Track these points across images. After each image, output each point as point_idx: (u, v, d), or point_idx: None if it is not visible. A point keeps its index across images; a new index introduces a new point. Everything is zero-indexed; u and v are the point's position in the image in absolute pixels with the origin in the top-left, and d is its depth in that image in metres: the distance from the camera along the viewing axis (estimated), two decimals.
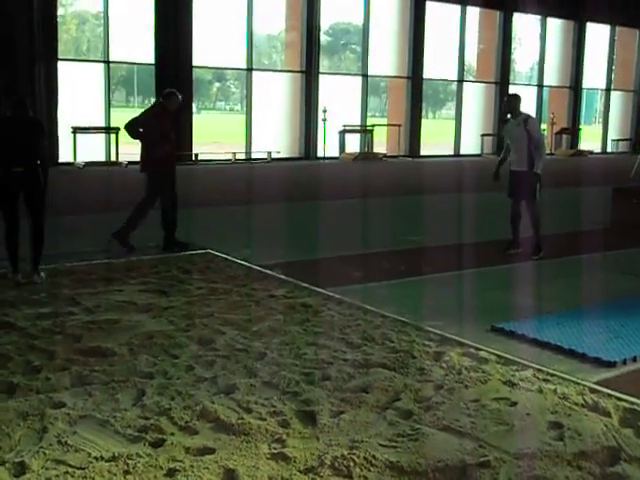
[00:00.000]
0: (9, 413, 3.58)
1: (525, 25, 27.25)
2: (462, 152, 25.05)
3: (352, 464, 3.16)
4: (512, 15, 25.46)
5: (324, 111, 21.28)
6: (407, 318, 5.42)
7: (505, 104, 8.58)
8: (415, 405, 3.83)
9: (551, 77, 27.67)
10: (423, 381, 4.18)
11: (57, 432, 3.40)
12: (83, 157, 17.43)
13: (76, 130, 17.37)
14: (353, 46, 27.53)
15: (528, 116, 8.37)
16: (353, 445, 3.34)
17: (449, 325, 5.33)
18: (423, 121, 24.51)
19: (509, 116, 8.49)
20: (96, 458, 3.17)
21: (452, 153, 25.15)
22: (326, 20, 23.61)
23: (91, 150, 17.77)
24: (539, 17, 26.65)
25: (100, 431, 3.45)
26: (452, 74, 25.05)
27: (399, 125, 23.53)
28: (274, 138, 20.85)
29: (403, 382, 4.14)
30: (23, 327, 4.98)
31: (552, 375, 4.33)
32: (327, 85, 21.80)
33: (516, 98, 8.50)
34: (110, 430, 3.46)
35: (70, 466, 3.09)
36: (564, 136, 27.37)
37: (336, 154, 21.85)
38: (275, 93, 21.13)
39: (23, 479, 2.98)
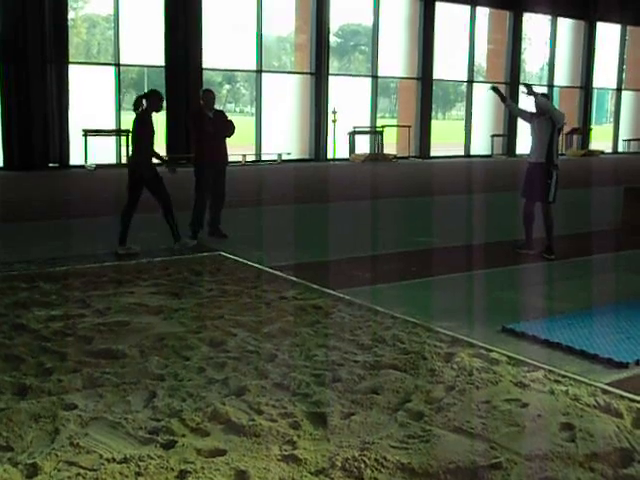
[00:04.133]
0: (21, 414, 3.59)
1: (535, 25, 27.17)
2: (472, 153, 25.02)
3: (363, 466, 3.16)
4: (522, 15, 25.42)
5: (334, 112, 21.30)
6: (418, 319, 5.41)
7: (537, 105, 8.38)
8: (426, 406, 3.82)
9: (561, 77, 27.60)
10: (434, 382, 4.17)
11: (69, 434, 3.41)
12: (94, 159, 17.51)
13: (87, 133, 17.46)
14: (363, 47, 27.52)
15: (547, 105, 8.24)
16: (364, 446, 3.33)
17: (460, 326, 5.32)
18: (433, 122, 24.49)
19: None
20: (108, 460, 3.17)
21: (462, 154, 25.11)
22: (336, 21, 23.66)
23: (102, 152, 17.86)
24: (549, 17, 26.58)
25: (111, 433, 3.45)
26: (462, 75, 25.01)
27: (409, 126, 23.52)
28: (284, 140, 20.89)
29: (414, 383, 4.13)
30: (35, 329, 5.00)
31: (563, 376, 4.30)
32: (337, 86, 21.82)
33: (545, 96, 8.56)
34: (121, 432, 3.47)
35: (82, 468, 3.10)
36: (575, 136, 27.28)
37: (346, 155, 21.86)
38: (285, 95, 21.17)
39: None
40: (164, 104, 8.23)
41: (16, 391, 3.94)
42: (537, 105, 8.18)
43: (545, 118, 8.06)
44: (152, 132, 7.92)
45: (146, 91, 8.04)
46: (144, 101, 7.84)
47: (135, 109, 7.86)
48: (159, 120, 20.16)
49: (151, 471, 3.09)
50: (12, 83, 16.55)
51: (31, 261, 7.22)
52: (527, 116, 8.51)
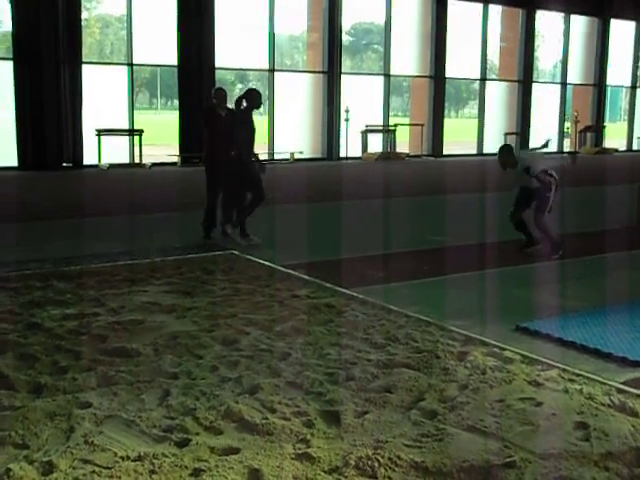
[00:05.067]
0: (37, 413, 3.62)
1: (548, 22, 27.04)
2: (485, 151, 24.93)
3: (377, 464, 3.16)
4: (535, 12, 25.32)
5: (346, 111, 21.29)
6: (431, 318, 5.40)
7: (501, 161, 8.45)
8: (439, 405, 3.82)
9: (575, 75, 27.47)
10: (447, 381, 4.17)
11: (84, 432, 3.43)
12: (108, 159, 17.58)
13: (100, 132, 17.53)
14: (375, 46, 27.49)
15: (527, 165, 8.19)
16: (377, 445, 3.33)
17: (473, 325, 5.30)
18: (446, 120, 24.44)
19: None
20: (122, 458, 3.18)
21: (475, 152, 25.04)
22: (348, 20, 23.65)
23: (115, 152, 17.94)
24: (562, 14, 26.45)
25: (126, 431, 3.47)
26: (475, 73, 24.94)
27: (421, 124, 23.48)
28: (296, 138, 20.90)
29: (427, 382, 4.12)
30: (50, 328, 5.03)
31: (578, 375, 4.29)
32: (349, 85, 21.81)
33: (509, 151, 8.52)
34: (136, 430, 3.48)
35: (97, 465, 3.12)
36: (588, 134, 27.15)
37: (358, 154, 21.85)
38: (297, 94, 21.18)
39: (51, 478, 3.01)
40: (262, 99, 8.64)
41: (31, 389, 3.97)
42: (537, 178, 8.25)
43: (527, 177, 8.19)
44: (254, 130, 8.45)
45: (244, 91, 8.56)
46: (244, 101, 8.32)
47: (237, 109, 8.35)
48: (173, 120, 20.18)
49: (165, 469, 3.10)
50: (26, 83, 16.64)
51: (46, 260, 7.26)
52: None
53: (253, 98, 8.38)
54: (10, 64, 16.71)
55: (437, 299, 6.23)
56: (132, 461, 3.16)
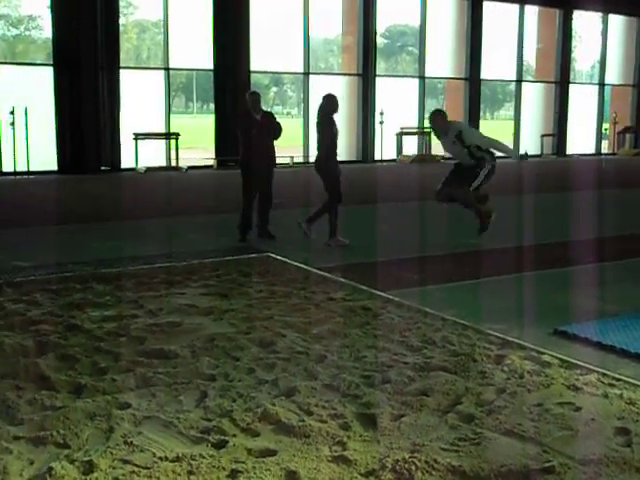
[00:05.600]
0: (77, 413, 3.67)
1: (586, 23, 26.72)
2: (522, 153, 24.68)
3: (414, 468, 3.14)
4: (572, 13, 25.03)
5: (381, 114, 21.24)
6: (468, 321, 5.37)
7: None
8: (477, 409, 3.80)
9: (613, 75, 27.09)
10: (485, 385, 4.14)
11: (123, 432, 3.47)
12: (145, 162, 17.77)
13: (138, 136, 17.71)
14: (410, 48, 27.43)
15: (459, 130, 8.28)
16: (414, 448, 3.32)
17: (510, 328, 5.26)
18: (481, 122, 24.26)
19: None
20: (161, 458, 3.22)
21: None
22: (382, 22, 23.60)
23: (152, 155, 18.12)
24: (600, 14, 26.12)
25: (164, 432, 3.50)
26: (511, 74, 24.73)
27: None
28: None
29: (464, 385, 4.10)
30: (89, 329, 5.10)
31: (618, 380, 4.23)
32: (384, 88, 21.77)
33: (442, 115, 8.65)
34: (174, 431, 3.52)
35: (136, 466, 3.15)
36: (627, 135, 26.75)
37: (393, 156, 21.79)
38: None
39: (91, 477, 3.05)
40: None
41: (72, 390, 4.03)
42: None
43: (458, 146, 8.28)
44: (336, 135, 8.98)
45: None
46: (326, 106, 8.80)
47: (321, 116, 8.86)
48: (209, 123, 20.32)
49: (203, 470, 3.13)
50: (66, 89, 16.89)
51: (85, 262, 7.36)
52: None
53: (332, 103, 8.74)
54: (50, 70, 16.98)
55: (473, 302, 6.19)
56: (170, 462, 3.19)
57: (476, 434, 3.48)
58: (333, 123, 8.82)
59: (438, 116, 8.50)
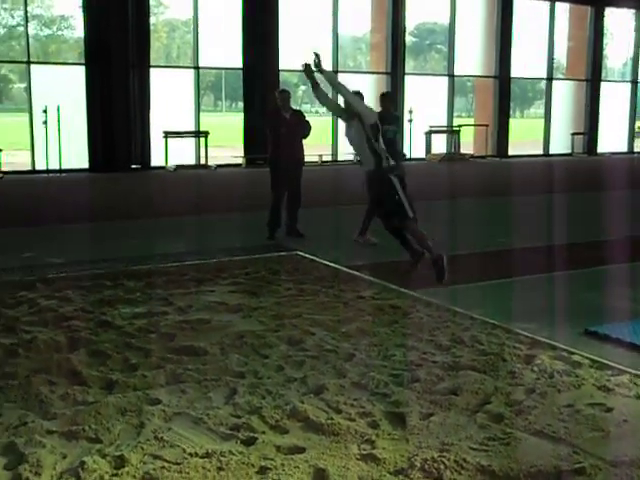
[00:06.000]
0: (109, 408, 3.72)
1: (618, 20, 26.37)
2: (552, 151, 24.48)
3: (443, 467, 3.14)
4: (604, 10, 24.72)
5: (410, 112, 21.17)
6: (496, 320, 5.34)
7: None
8: (506, 409, 3.78)
9: None
10: (514, 384, 4.12)
11: (153, 428, 3.51)
12: (174, 160, 17.90)
13: (167, 134, 17.84)
14: (439, 46, 27.29)
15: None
16: (443, 448, 3.32)
17: (540, 328, 5.22)
18: (511, 120, 24.08)
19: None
20: (191, 454, 3.24)
21: (541, 153, 24.62)
22: (411, 20, 23.51)
23: (182, 153, 18.24)
24: (633, 11, 25.78)
25: (194, 428, 3.54)
26: (541, 72, 24.52)
27: (486, 125, 23.19)
28: None
29: (493, 385, 4.08)
30: (120, 326, 5.15)
31: None
32: (413, 86, 21.69)
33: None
34: (203, 427, 3.55)
35: (166, 461, 3.18)
36: None
37: (422, 155, 21.71)
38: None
39: (122, 472, 3.09)
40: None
41: (104, 385, 4.08)
42: (328, 83, 7.13)
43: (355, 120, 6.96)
44: (396, 132, 9.02)
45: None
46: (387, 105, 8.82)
47: (384, 115, 8.68)
48: (238, 121, 20.36)
49: (232, 466, 3.15)
50: (97, 87, 17.06)
51: (116, 259, 7.44)
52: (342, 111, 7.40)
53: (390, 100, 8.71)
54: (82, 69, 17.16)
55: (503, 302, 6.15)
56: (200, 458, 3.22)
57: (506, 434, 3.47)
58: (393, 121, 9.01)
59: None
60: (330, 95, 7.60)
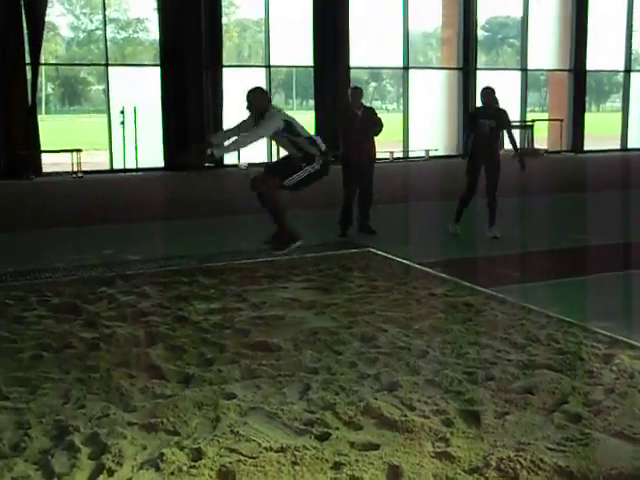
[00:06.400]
0: (186, 402, 3.80)
1: None
2: (630, 146, 23.79)
3: (519, 467, 3.10)
4: None
5: None
6: (573, 319, 5.23)
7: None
8: (584, 409, 3.70)
9: None
10: (592, 384, 4.03)
11: (229, 422, 3.56)
12: (247, 159, 18.10)
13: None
14: (511, 40, 26.83)
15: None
16: (519, 447, 3.27)
17: (619, 327, 5.08)
18: (586, 115, 23.49)
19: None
20: (266, 448, 3.28)
21: (619, 147, 23.95)
22: (483, 15, 23.17)
23: (254, 152, 18.42)
24: None
25: (269, 423, 3.58)
26: (619, 64, 23.85)
27: (561, 120, 22.70)
28: (431, 136, 20.74)
29: (570, 384, 4.00)
30: (196, 321, 5.26)
31: None
32: (485, 81, 21.37)
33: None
34: (278, 422, 3.58)
35: (242, 455, 3.23)
36: None
37: None
38: (432, 91, 21.01)
39: (200, 464, 3.15)
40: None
41: (181, 380, 4.17)
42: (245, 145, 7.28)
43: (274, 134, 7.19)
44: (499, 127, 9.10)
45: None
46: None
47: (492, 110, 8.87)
48: (308, 119, 20.53)
49: (307, 461, 3.18)
50: (172, 88, 17.41)
51: (191, 256, 7.59)
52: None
53: (487, 94, 8.85)
54: (157, 70, 17.53)
55: (580, 300, 6.03)
56: (275, 452, 3.25)
57: (584, 434, 3.40)
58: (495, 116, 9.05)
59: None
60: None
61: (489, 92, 8.73)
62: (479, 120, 8.78)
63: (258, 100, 7.15)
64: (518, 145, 9.35)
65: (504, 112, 8.90)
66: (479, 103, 9.10)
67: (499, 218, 8.92)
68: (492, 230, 8.76)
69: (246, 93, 7.15)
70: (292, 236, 7.31)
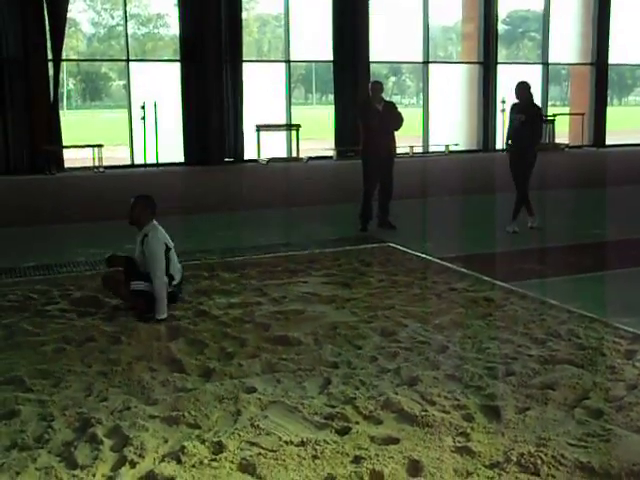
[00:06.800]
0: (207, 395, 3.83)
1: None
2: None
3: (540, 462, 3.09)
4: None
5: (502, 102, 20.75)
6: (594, 314, 5.20)
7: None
8: (605, 404, 3.69)
9: None
10: (614, 380, 4.01)
11: (250, 415, 3.59)
12: (266, 154, 18.14)
13: (260, 128, 18.09)
14: (532, 34, 26.65)
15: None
16: (540, 442, 3.27)
17: None
18: (608, 109, 23.27)
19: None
20: (286, 442, 3.31)
21: None
22: (504, 8, 22.99)
23: (274, 147, 18.47)
24: None
25: (289, 417, 3.60)
26: None
27: (582, 114, 22.51)
28: (451, 130, 20.65)
29: (592, 380, 3.99)
30: (217, 315, 5.29)
31: None
32: (505, 75, 21.25)
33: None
34: (298, 416, 3.60)
35: (262, 448, 3.26)
36: None
37: None
38: (452, 85, 20.90)
39: (221, 457, 3.17)
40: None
41: (202, 373, 4.20)
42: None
43: None
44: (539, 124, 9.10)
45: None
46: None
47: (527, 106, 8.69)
48: (328, 114, 20.43)
49: (327, 455, 3.19)
50: (192, 83, 17.44)
51: (211, 251, 7.62)
52: None
53: (520, 89, 8.69)
54: (177, 65, 17.58)
55: (601, 295, 5.99)
56: (295, 446, 3.27)
57: (605, 430, 3.39)
58: (535, 111, 8.93)
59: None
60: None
61: (521, 86, 8.66)
62: (513, 115, 8.75)
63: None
64: (536, 142, 9.17)
65: (534, 107, 8.80)
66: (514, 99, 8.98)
67: (521, 213, 8.88)
68: (531, 221, 8.96)
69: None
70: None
